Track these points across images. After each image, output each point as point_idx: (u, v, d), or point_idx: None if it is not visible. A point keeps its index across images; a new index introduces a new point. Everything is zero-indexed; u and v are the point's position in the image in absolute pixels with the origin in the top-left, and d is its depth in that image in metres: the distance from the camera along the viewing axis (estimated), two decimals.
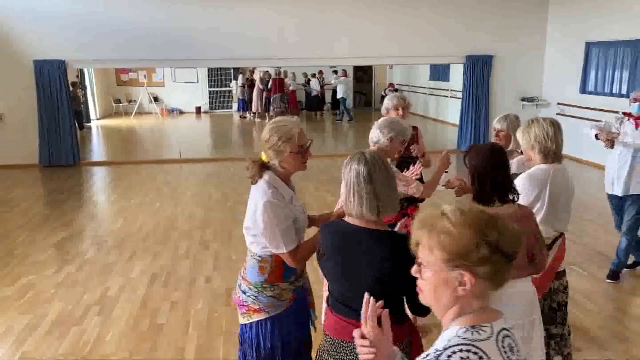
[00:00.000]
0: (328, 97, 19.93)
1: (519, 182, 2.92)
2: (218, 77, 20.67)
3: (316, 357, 2.20)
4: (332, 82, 17.96)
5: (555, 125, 3.00)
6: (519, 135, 3.11)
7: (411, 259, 1.99)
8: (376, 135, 3.40)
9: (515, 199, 2.53)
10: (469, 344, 1.26)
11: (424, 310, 2.09)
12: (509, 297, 2.44)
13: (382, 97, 21.00)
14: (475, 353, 1.24)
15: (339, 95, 17.65)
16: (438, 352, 1.27)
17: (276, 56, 10.91)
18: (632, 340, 3.90)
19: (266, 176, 2.49)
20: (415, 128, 4.28)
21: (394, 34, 10.87)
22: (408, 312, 2.14)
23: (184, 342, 3.94)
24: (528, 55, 11.32)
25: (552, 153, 2.97)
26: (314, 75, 18.79)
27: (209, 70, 20.05)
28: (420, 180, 3.59)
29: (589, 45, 10.04)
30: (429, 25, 10.93)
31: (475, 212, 1.36)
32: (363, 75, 21.90)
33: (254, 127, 17.52)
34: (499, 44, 11.15)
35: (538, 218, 2.92)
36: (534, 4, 11.11)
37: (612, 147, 4.86)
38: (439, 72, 16.26)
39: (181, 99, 20.40)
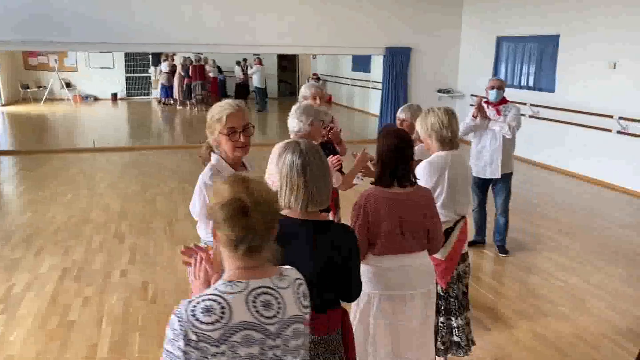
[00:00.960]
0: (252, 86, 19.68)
1: (419, 169, 3.09)
2: (136, 62, 19.86)
3: None
4: (248, 71, 17.68)
5: (450, 114, 3.17)
6: (417, 125, 3.26)
7: (349, 248, 2.07)
8: (295, 124, 3.40)
9: (414, 182, 2.69)
10: (217, 295, 1.43)
11: (350, 297, 2.18)
12: (405, 269, 2.64)
13: None
14: (219, 303, 1.41)
15: (254, 84, 17.43)
16: (195, 298, 1.44)
17: (197, 42, 10.63)
18: (536, 318, 4.19)
19: (213, 159, 2.51)
20: (332, 117, 4.36)
21: (317, 24, 10.91)
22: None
23: (98, 339, 3.79)
24: (444, 49, 11.75)
25: (449, 140, 3.13)
26: (238, 63, 18.49)
27: (126, 55, 19.22)
28: (340, 171, 3.64)
29: (499, 40, 10.57)
30: (351, 17, 11.06)
31: (230, 181, 1.52)
32: (288, 64, 21.84)
33: (176, 114, 17.04)
34: (417, 37, 11.48)
35: (439, 203, 3.10)
36: None
37: (484, 117, 5.14)
38: (361, 63, 16.52)
39: (96, 85, 19.45)
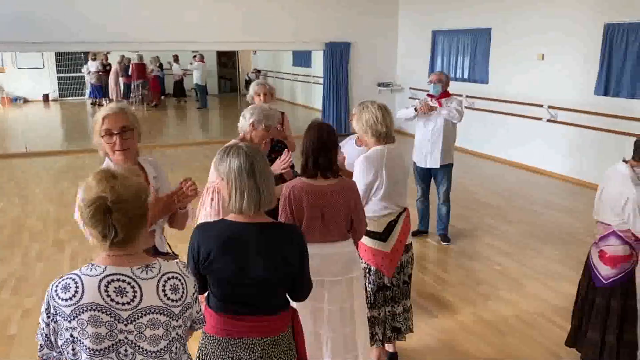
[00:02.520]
0: (190, 83, 19.29)
1: (357, 164, 3.21)
2: (68, 62, 19.05)
3: (197, 358, 2.13)
4: (189, 67, 17.36)
5: (383, 109, 3.27)
6: (353, 122, 3.35)
7: (299, 248, 2.12)
8: (241, 122, 3.41)
9: (338, 174, 2.79)
10: (77, 275, 1.60)
11: (302, 296, 2.23)
12: (329, 257, 2.76)
13: (247, 82, 20.88)
14: (76, 282, 1.58)
15: (194, 81, 17.16)
16: (63, 275, 1.62)
17: (133, 40, 10.32)
18: (478, 302, 4.38)
19: (105, 162, 2.43)
20: (282, 114, 4.39)
21: (255, 19, 10.84)
22: None
23: None
24: (382, 43, 11.96)
25: (384, 134, 3.24)
26: (176, 60, 18.07)
27: (57, 54, 18.39)
28: (292, 168, 3.69)
29: (435, 34, 10.86)
30: (290, 12, 11.05)
31: (98, 178, 1.60)
32: (227, 60, 21.55)
33: None
34: (356, 31, 11.62)
35: (379, 196, 3.21)
36: None
37: (430, 110, 5.30)
38: (302, 59, 16.53)
39: (26, 87, 18.49)
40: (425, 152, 5.43)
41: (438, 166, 5.43)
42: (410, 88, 11.57)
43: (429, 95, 5.46)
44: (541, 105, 8.40)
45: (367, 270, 3.29)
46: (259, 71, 20.34)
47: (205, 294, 2.15)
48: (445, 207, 5.63)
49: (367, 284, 3.29)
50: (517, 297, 4.45)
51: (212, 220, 2.62)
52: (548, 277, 4.83)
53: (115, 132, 2.39)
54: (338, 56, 11.56)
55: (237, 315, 2.05)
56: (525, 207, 6.88)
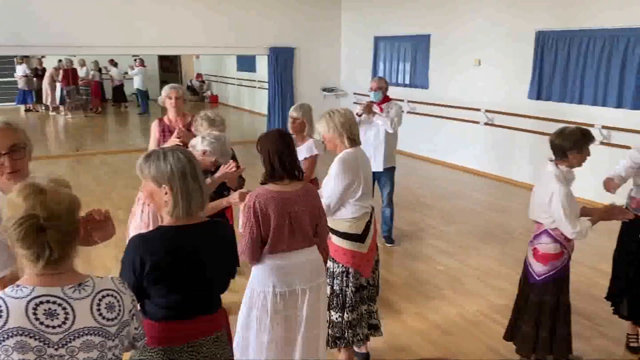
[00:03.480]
0: (130, 88, 18.80)
1: (334, 167, 3.24)
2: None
3: None
4: (130, 72, 16.93)
5: (351, 113, 3.42)
6: (321, 125, 3.37)
7: (231, 240, 2.18)
8: (196, 141, 3.40)
9: (301, 178, 2.80)
10: (1, 297, 1.46)
11: (225, 288, 2.24)
12: (300, 265, 2.76)
13: (189, 87, 20.60)
14: (0, 306, 1.43)
15: (135, 86, 16.76)
16: None
17: (70, 44, 9.91)
18: (422, 302, 4.49)
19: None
20: (194, 117, 4.38)
21: (199, 23, 10.69)
22: None
23: None
24: (326, 48, 12.07)
25: (357, 137, 3.36)
26: (115, 64, 17.56)
27: None
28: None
29: (377, 40, 11.06)
30: (234, 16, 10.97)
31: (25, 193, 1.48)
32: (170, 65, 21.16)
33: (48, 121, 15.86)
34: (300, 37, 11.67)
35: (357, 196, 3.28)
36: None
37: (370, 113, 5.42)
38: (246, 63, 16.46)
39: None
40: (368, 156, 5.50)
41: (381, 170, 5.53)
42: (354, 93, 11.73)
43: (370, 102, 5.56)
44: (478, 110, 8.71)
45: (344, 273, 3.33)
46: (202, 81, 20.12)
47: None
48: (389, 209, 5.74)
49: (345, 286, 3.34)
50: (459, 296, 4.59)
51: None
52: (488, 275, 5.00)
53: (3, 152, 2.03)
54: (282, 61, 11.58)
55: (184, 320, 2.03)
56: (465, 208, 7.11)
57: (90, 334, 1.51)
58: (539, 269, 3.29)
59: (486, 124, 8.69)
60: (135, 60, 16.53)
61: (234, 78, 17.88)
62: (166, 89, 4.41)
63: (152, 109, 17.06)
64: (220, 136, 3.01)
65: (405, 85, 10.37)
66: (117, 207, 6.85)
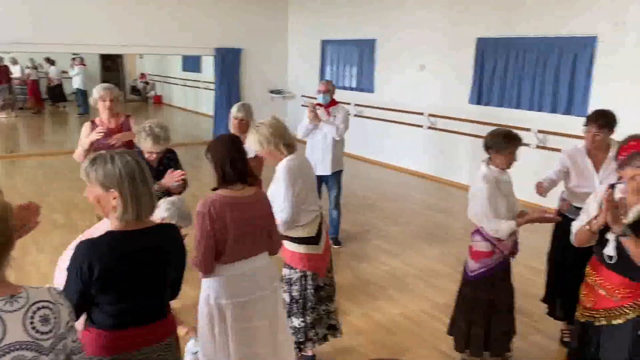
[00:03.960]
0: (70, 88, 18.10)
1: (282, 177, 3.18)
2: None
3: None
4: (70, 72, 16.30)
5: (278, 119, 3.32)
6: (253, 144, 3.24)
7: (181, 243, 2.16)
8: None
9: (253, 183, 2.76)
10: None
11: (176, 294, 2.23)
12: (258, 272, 2.73)
13: (133, 88, 20.08)
14: None
15: (75, 86, 16.15)
16: None
17: (4, 40, 9.38)
18: (367, 303, 4.55)
19: None
20: (127, 117, 4.32)
21: (143, 22, 10.43)
22: None
23: None
24: (274, 50, 12.04)
25: (293, 142, 3.30)
26: (52, 62, 16.85)
27: None
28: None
29: (324, 43, 11.14)
30: (180, 16, 10.77)
31: None
32: (112, 64, 20.51)
33: None
34: (247, 38, 11.59)
35: (306, 201, 3.27)
36: (276, 2, 11.83)
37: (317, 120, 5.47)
38: (191, 64, 16.19)
39: None
40: (316, 159, 5.56)
41: (329, 173, 5.58)
42: (302, 96, 11.76)
43: (318, 104, 5.61)
44: (422, 114, 8.93)
45: (303, 278, 3.34)
46: (147, 82, 19.62)
47: (83, 317, 2.01)
48: (335, 211, 5.79)
49: (304, 290, 3.35)
50: (403, 296, 4.69)
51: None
52: (430, 275, 5.13)
53: None
54: (229, 62, 11.46)
55: (136, 327, 1.99)
56: (409, 210, 7.26)
57: (22, 349, 1.43)
58: (472, 265, 3.39)
59: (429, 127, 8.91)
60: (74, 59, 15.93)
61: (178, 78, 17.55)
62: (99, 90, 4.23)
63: (92, 110, 16.49)
64: (175, 201, 2.93)
65: (351, 89, 10.49)
66: (53, 211, 6.60)
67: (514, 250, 3.42)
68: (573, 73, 6.82)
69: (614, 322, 2.72)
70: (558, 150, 5.78)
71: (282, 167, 3.22)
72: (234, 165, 2.65)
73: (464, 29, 8.13)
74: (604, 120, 3.53)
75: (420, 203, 7.62)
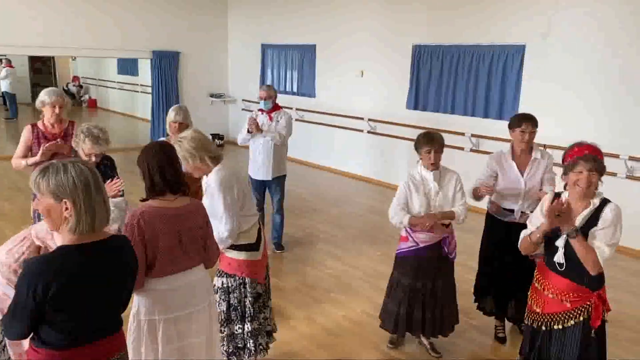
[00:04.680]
0: None
1: (215, 189, 3.08)
2: None
3: None
4: None
5: (199, 132, 3.20)
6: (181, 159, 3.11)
7: (134, 256, 2.11)
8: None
9: (187, 193, 2.66)
10: None
11: (125, 306, 2.16)
12: (193, 285, 2.66)
13: (66, 92, 19.26)
14: None
15: (3, 89, 15.35)
16: None
17: None
18: (311, 306, 4.60)
19: None
20: (72, 123, 4.18)
21: (76, 22, 10.07)
22: None
23: None
24: (213, 54, 11.92)
25: (218, 154, 3.18)
26: None
27: None
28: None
29: (264, 48, 11.13)
30: (115, 18, 10.48)
31: None
32: (42, 66, 19.63)
33: None
34: (185, 41, 11.42)
35: (243, 208, 3.21)
36: (215, 5, 11.73)
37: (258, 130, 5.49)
38: (128, 66, 15.75)
39: None
40: (259, 165, 5.57)
41: (270, 178, 5.59)
42: (243, 100, 11.70)
43: (260, 110, 5.62)
44: (362, 118, 9.09)
45: (241, 285, 3.29)
46: (80, 85, 18.91)
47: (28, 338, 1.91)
48: (279, 216, 5.81)
49: (244, 297, 3.31)
50: (347, 298, 4.76)
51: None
52: (373, 276, 5.24)
53: None
54: (166, 65, 11.25)
55: (91, 344, 1.93)
56: (352, 213, 7.38)
57: None
58: (398, 247, 3.79)
59: (369, 132, 9.08)
60: (1, 60, 15.14)
61: (114, 82, 17.02)
62: (50, 95, 4.03)
63: (21, 114, 15.72)
64: (118, 203, 2.83)
65: (293, 94, 10.54)
66: None
67: (449, 250, 3.69)
68: (503, 80, 7.17)
69: (563, 325, 2.78)
70: (491, 153, 6.05)
71: (213, 179, 3.12)
72: (163, 174, 2.55)
73: (402, 36, 8.35)
74: (535, 120, 3.79)
75: (362, 206, 7.76)
